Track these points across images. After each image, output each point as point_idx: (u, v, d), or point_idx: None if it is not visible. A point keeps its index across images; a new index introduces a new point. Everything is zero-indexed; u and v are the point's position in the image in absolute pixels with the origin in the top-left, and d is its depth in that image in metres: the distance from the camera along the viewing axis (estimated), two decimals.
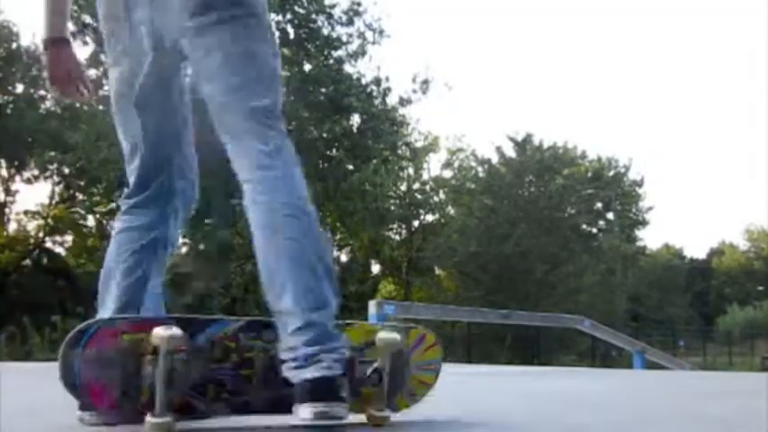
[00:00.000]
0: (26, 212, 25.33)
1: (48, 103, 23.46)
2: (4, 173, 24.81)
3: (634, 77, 78.05)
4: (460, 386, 3.68)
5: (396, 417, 1.71)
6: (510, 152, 27.79)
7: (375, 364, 1.62)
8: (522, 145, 27.47)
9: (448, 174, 30.16)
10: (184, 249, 22.02)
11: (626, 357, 16.02)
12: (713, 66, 78.99)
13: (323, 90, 18.08)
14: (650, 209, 36.55)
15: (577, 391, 3.46)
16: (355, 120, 18.81)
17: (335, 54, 18.51)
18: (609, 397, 3.11)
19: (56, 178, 24.10)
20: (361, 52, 18.72)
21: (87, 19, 16.50)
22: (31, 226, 25.90)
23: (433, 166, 33.23)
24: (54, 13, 1.77)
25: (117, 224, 1.81)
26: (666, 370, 8.93)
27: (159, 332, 1.42)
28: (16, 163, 24.07)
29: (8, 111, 22.40)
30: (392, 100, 19.43)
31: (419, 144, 29.34)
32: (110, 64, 1.74)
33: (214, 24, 1.57)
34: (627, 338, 8.58)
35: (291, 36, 17.98)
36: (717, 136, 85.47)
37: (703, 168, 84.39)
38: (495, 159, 28.15)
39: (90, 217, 24.63)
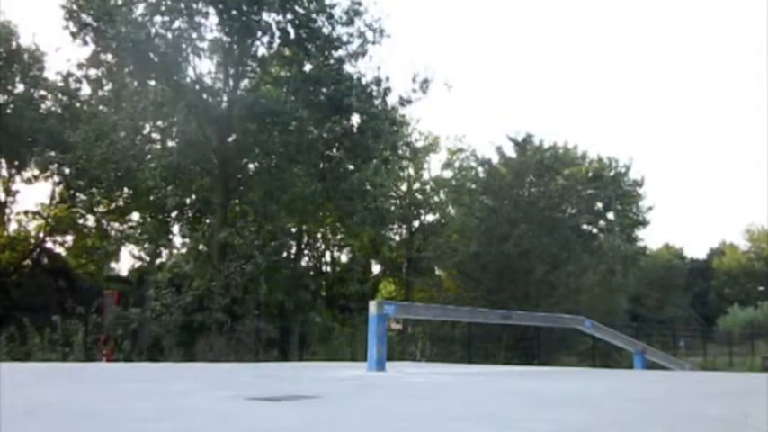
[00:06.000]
0: (26, 212, 25.34)
1: (48, 103, 23.46)
2: (5, 173, 24.82)
3: (634, 77, 78.02)
4: (461, 386, 3.67)
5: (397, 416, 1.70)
6: (510, 152, 27.76)
7: None
8: (523, 145, 27.44)
9: (448, 174, 30.15)
10: (184, 249, 22.02)
11: (626, 357, 16.01)
12: (713, 66, 78.94)
13: (323, 90, 18.05)
14: (650, 209, 36.65)
15: (578, 391, 3.46)
16: (355, 120, 18.78)
17: (336, 54, 18.48)
18: (609, 397, 3.10)
19: (56, 178, 24.09)
20: (361, 52, 18.68)
21: (87, 19, 16.46)
22: (32, 226, 25.91)
23: (434, 166, 33.21)
24: None
25: None
26: (667, 370, 8.91)
27: None
28: (16, 163, 24.07)
29: (8, 111, 22.38)
30: (392, 100, 19.38)
31: (419, 144, 29.36)
32: None
33: None
34: (627, 338, 8.56)
35: (292, 36, 17.95)
36: (717, 136, 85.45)
37: (703, 168, 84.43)
38: (495, 159, 28.11)
39: (90, 217, 24.59)
